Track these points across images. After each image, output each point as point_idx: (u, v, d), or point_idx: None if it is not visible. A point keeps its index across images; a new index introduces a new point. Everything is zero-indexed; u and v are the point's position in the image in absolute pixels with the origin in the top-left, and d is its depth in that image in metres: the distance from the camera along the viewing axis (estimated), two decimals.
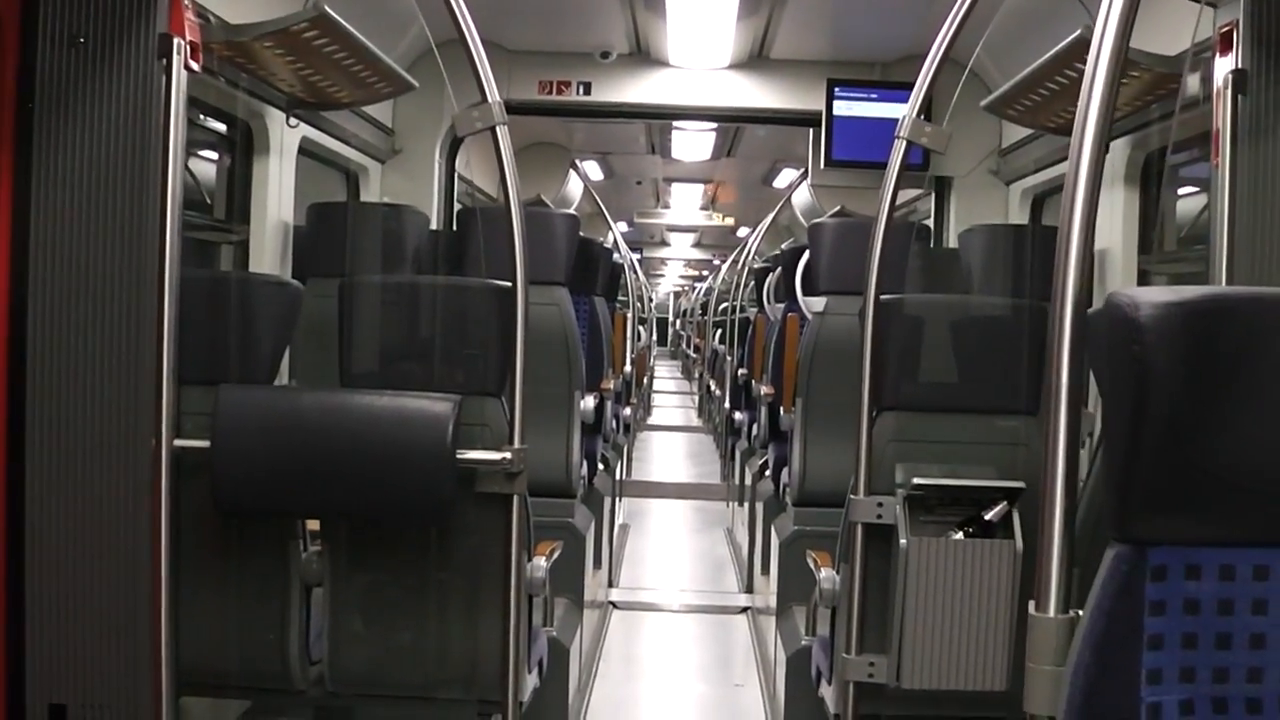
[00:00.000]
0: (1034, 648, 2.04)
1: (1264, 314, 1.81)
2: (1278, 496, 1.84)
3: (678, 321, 40.11)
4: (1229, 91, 3.83)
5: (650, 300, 24.76)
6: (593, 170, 14.90)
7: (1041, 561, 2.07)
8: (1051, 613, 2.04)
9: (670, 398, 26.02)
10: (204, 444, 3.81)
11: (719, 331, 16.78)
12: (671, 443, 18.37)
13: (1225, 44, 3.88)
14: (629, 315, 12.75)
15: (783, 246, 10.57)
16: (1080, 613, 1.94)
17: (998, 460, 4.18)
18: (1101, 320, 1.88)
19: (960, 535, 3.93)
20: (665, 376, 31.75)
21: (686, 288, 40.65)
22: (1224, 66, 3.88)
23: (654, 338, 25.77)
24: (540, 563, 4.22)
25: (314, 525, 4.11)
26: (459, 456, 3.81)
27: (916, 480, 3.99)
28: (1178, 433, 1.80)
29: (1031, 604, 2.07)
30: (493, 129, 3.86)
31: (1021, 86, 5.53)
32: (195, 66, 3.84)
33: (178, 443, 3.82)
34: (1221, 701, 1.88)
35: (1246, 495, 1.84)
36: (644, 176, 17.21)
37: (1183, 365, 1.78)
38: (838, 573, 4.37)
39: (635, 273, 17.61)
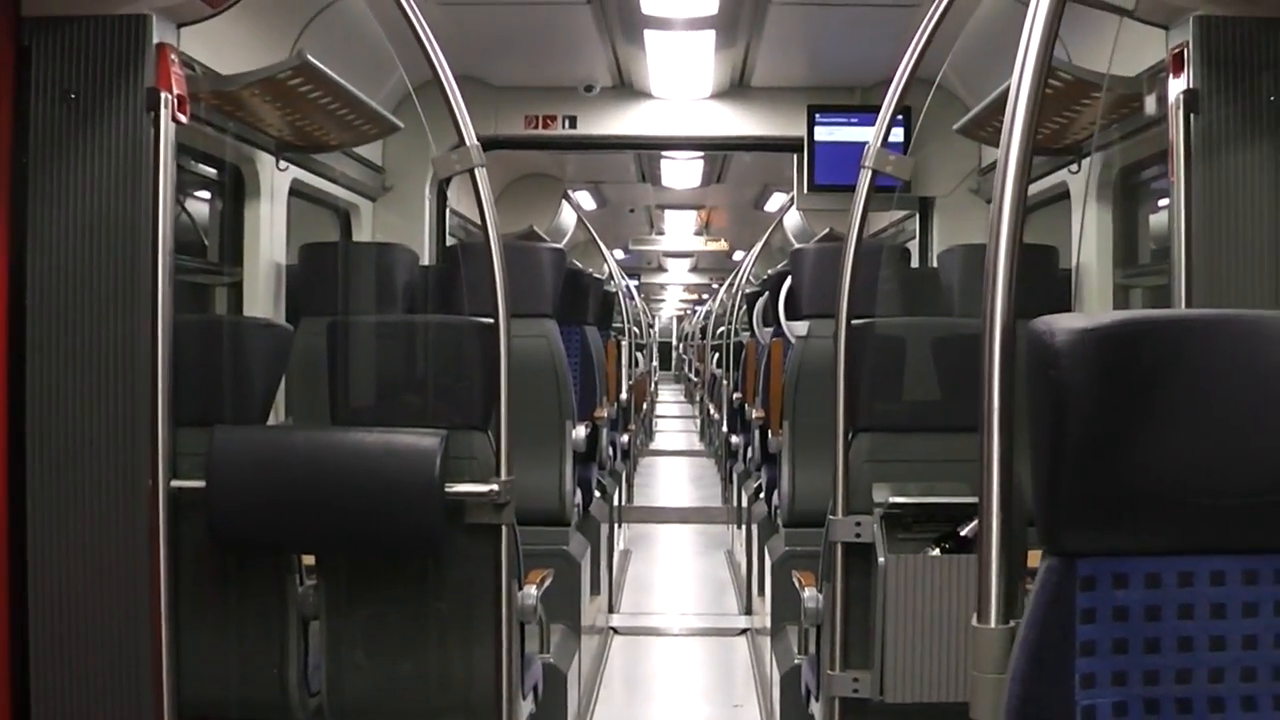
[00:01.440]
0: (977, 657, 2.12)
1: (1176, 334, 1.91)
2: (1197, 506, 1.94)
3: (680, 345, 40.11)
4: (1181, 111, 3.93)
5: (650, 326, 24.75)
6: (585, 199, 14.97)
7: (981, 575, 2.17)
8: (993, 623, 2.14)
9: (674, 422, 26.00)
10: (200, 484, 3.89)
11: (716, 355, 16.84)
12: (674, 467, 18.38)
13: (1177, 65, 3.98)
14: (622, 343, 12.81)
15: (769, 271, 10.66)
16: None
17: (972, 477, 4.24)
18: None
19: (936, 551, 4.01)
20: (669, 401, 31.74)
21: (688, 311, 40.68)
22: (1176, 87, 3.98)
23: (655, 363, 25.76)
24: (530, 591, 4.29)
25: (309, 560, 4.19)
26: (447, 489, 3.88)
27: (893, 499, 4.07)
28: (1097, 450, 1.90)
29: (974, 616, 2.17)
30: (471, 171, 3.98)
31: (991, 108, 5.63)
32: (183, 118, 3.95)
33: (174, 483, 3.91)
34: (1153, 702, 1.97)
35: (1168, 506, 1.93)
36: (636, 204, 17.25)
37: (1097, 387, 1.88)
38: (820, 592, 4.46)
39: (632, 299, 17.64)
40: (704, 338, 21.88)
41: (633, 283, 21.55)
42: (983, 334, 2.15)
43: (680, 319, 43.48)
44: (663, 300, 42.04)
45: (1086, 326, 1.89)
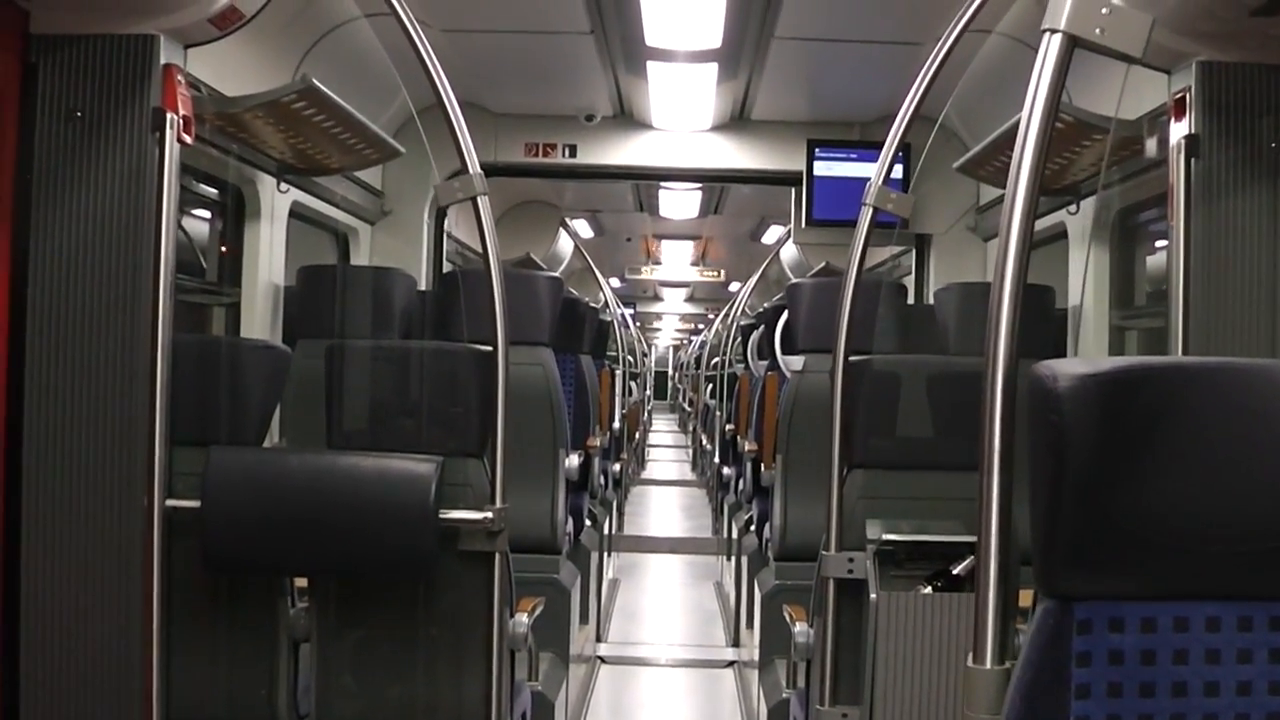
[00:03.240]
0: (971, 697, 2.13)
1: (1176, 382, 1.93)
2: (1194, 552, 1.95)
3: (676, 375, 40.14)
4: (1182, 155, 3.95)
5: (645, 355, 24.73)
6: (583, 228, 14.97)
7: (978, 615, 2.18)
8: (988, 664, 2.15)
9: (667, 451, 26.00)
10: (195, 504, 3.89)
11: (710, 386, 16.84)
12: (666, 497, 18.38)
13: (1179, 109, 4.00)
14: (617, 372, 12.82)
15: (765, 304, 10.67)
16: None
17: (965, 515, 4.26)
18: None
19: (929, 590, 4.02)
20: (663, 430, 31.76)
21: (684, 341, 40.74)
22: (1178, 131, 3.99)
23: (649, 392, 25.73)
24: (522, 619, 4.29)
25: (302, 582, 4.18)
26: (441, 516, 3.89)
27: (886, 536, 4.08)
28: (1096, 495, 1.91)
29: (969, 656, 2.18)
30: (473, 199, 3.99)
31: (992, 148, 5.65)
32: (188, 139, 3.96)
33: (169, 503, 3.91)
34: None
35: (1164, 552, 1.95)
36: (634, 233, 17.26)
37: (1098, 432, 1.89)
38: (811, 626, 4.46)
39: (627, 328, 17.65)
40: (698, 368, 21.90)
41: (628, 312, 21.57)
42: (985, 374, 2.16)
43: (677, 349, 43.54)
44: (659, 330, 42.12)
45: (1088, 372, 1.90)
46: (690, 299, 29.59)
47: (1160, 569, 1.96)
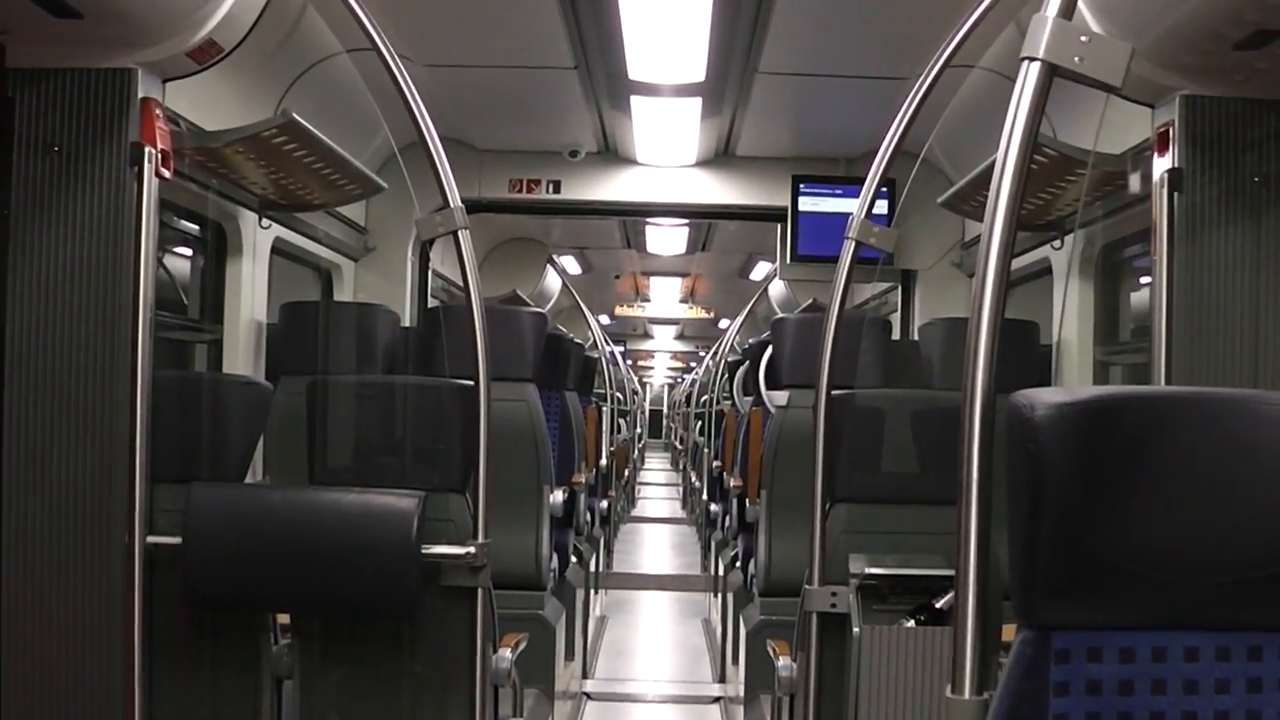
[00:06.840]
0: None
1: (1154, 411, 1.92)
2: (1172, 582, 1.93)
3: (670, 413, 40.17)
4: (1165, 190, 3.94)
5: (635, 393, 24.70)
6: (571, 264, 14.99)
7: (956, 645, 2.16)
8: (966, 694, 2.13)
9: (659, 489, 25.99)
10: (176, 540, 3.88)
11: (699, 423, 16.83)
12: (656, 534, 18.36)
13: (1162, 144, 3.99)
14: (603, 409, 12.79)
15: (749, 341, 10.67)
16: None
17: (948, 549, 4.24)
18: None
19: (911, 623, 4.00)
20: (656, 469, 31.75)
21: (677, 379, 40.81)
22: (1161, 165, 3.99)
23: (639, 430, 25.69)
24: (505, 654, 4.27)
25: (284, 619, 4.16)
26: (424, 551, 3.88)
27: (869, 570, 4.07)
28: (1073, 524, 1.90)
29: (948, 686, 2.16)
30: (454, 233, 3.99)
31: (975, 183, 5.65)
32: (166, 173, 3.94)
33: (150, 539, 3.90)
34: None
35: (1143, 581, 1.93)
36: (622, 270, 17.27)
37: (1075, 461, 1.88)
38: (795, 661, 4.45)
39: (616, 366, 17.63)
40: (689, 406, 21.89)
41: (618, 350, 21.57)
42: (963, 407, 2.15)
43: (671, 387, 43.62)
44: (652, 368, 42.17)
45: (1065, 401, 1.89)
46: (680, 336, 29.62)
47: (1138, 599, 1.94)
